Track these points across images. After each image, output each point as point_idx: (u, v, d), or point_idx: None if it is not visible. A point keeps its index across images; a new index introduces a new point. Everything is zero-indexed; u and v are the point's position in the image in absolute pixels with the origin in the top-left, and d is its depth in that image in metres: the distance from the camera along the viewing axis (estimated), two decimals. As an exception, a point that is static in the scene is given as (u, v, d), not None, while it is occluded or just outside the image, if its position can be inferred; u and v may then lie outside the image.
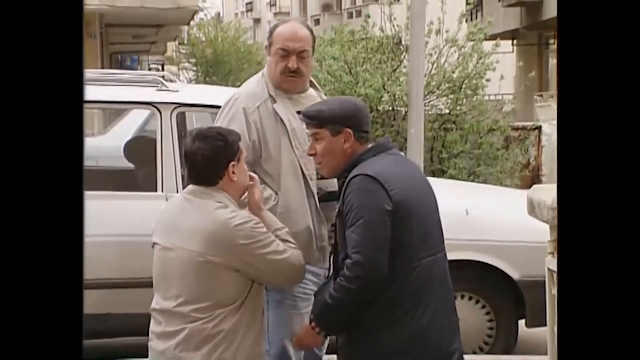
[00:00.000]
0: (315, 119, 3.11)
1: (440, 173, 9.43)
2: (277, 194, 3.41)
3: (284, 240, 3.06)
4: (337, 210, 3.07)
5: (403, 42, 10.15)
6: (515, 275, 4.78)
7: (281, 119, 3.42)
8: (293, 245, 3.08)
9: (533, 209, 3.40)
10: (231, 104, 3.50)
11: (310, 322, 3.05)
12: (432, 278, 3.02)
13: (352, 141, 3.06)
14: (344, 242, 2.98)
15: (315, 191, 3.42)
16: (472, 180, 9.21)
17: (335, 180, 3.36)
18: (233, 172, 3.01)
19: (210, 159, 2.98)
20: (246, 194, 3.14)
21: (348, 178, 2.99)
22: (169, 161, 4.59)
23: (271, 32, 3.53)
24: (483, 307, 4.89)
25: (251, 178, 3.13)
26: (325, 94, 10.38)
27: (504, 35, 18.26)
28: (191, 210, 2.99)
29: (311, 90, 3.60)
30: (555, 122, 2.57)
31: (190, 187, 3.05)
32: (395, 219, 2.92)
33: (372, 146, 3.08)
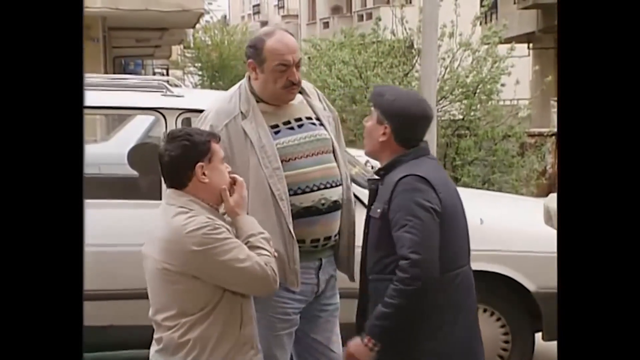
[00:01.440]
0: (373, 98, 3.21)
1: (454, 181, 9.41)
2: None
3: (256, 247, 2.97)
4: (379, 211, 3.05)
5: (415, 46, 10.16)
6: (531, 286, 4.76)
7: (250, 137, 3.37)
8: (265, 253, 2.97)
9: (550, 218, 3.40)
10: (201, 121, 3.49)
11: (363, 338, 3.02)
12: (469, 286, 3.09)
13: (390, 139, 3.10)
14: (382, 245, 3.00)
15: (287, 211, 3.34)
16: (487, 189, 9.19)
17: (308, 195, 3.38)
18: (203, 174, 2.97)
19: (175, 159, 2.98)
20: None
21: (397, 179, 3.01)
22: (174, 168, 4.58)
23: (259, 47, 3.42)
24: (498, 319, 4.87)
25: (233, 180, 3.08)
26: (335, 99, 10.35)
27: (519, 39, 18.26)
28: (158, 217, 3.04)
29: (297, 97, 3.54)
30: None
31: (166, 191, 3.08)
32: (441, 222, 2.98)
33: (413, 149, 3.12)
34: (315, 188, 3.43)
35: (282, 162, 3.38)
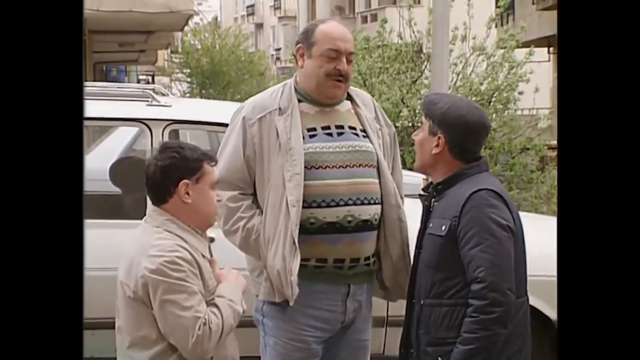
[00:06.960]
0: (424, 107, 3.18)
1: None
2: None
3: (214, 306, 2.94)
4: (443, 228, 3.01)
5: (424, 50, 10.20)
6: (553, 315, 4.75)
7: (280, 137, 3.37)
8: (217, 314, 2.92)
9: (573, 239, 3.44)
10: (237, 112, 3.52)
11: None
12: (528, 316, 3.12)
13: (444, 151, 3.09)
14: (445, 265, 2.97)
15: (295, 219, 3.29)
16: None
17: (333, 210, 3.34)
18: (187, 193, 2.98)
19: (161, 170, 2.99)
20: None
21: (469, 193, 2.98)
22: (160, 185, 4.59)
23: (310, 32, 3.45)
24: (516, 351, 4.87)
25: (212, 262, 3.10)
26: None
27: (539, 42, 18.30)
28: (135, 235, 3.08)
29: (345, 104, 3.54)
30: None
31: (149, 207, 3.11)
32: (514, 243, 2.99)
33: (476, 163, 3.11)
34: (341, 203, 3.36)
35: (309, 168, 3.35)
